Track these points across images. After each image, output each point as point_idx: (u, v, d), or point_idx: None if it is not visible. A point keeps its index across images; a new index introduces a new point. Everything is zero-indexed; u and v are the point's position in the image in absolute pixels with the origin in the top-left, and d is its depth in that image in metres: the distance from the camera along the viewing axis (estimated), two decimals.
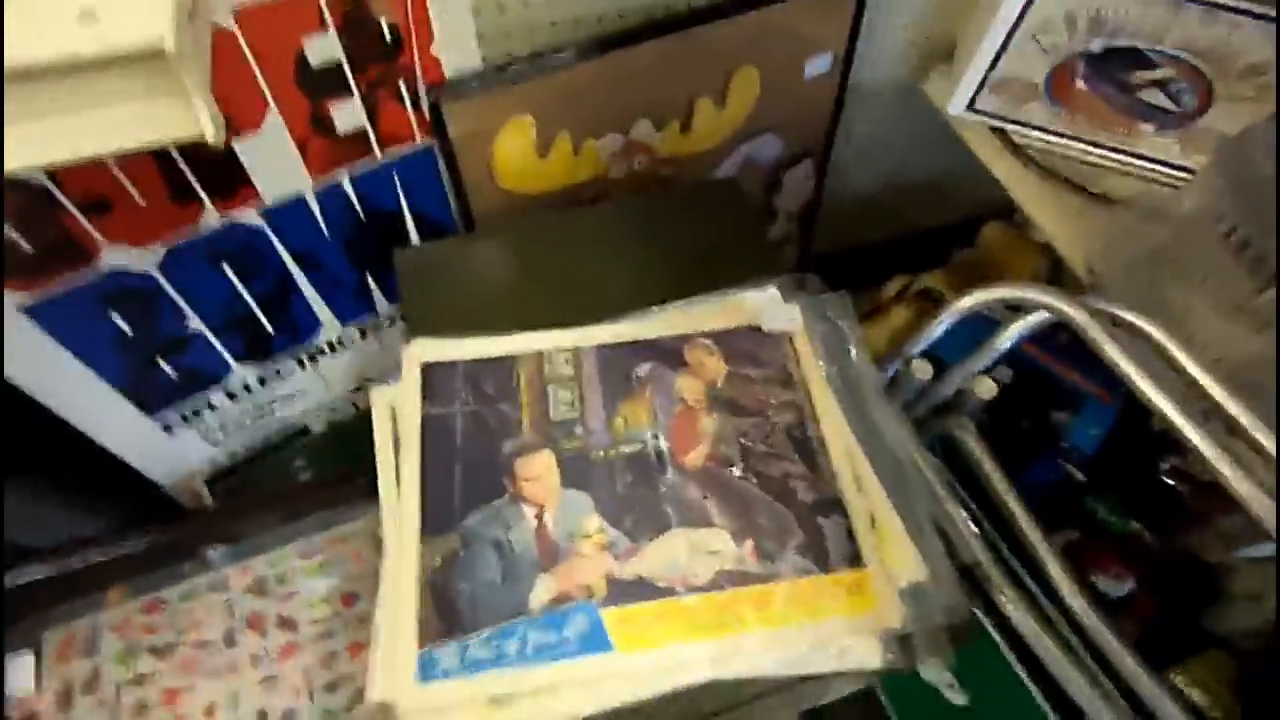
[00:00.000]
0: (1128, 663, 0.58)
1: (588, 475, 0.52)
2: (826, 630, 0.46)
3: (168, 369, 0.69)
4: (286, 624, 0.72)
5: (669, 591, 0.47)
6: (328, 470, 0.95)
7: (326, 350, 0.80)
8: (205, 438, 0.78)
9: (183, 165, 0.55)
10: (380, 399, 0.56)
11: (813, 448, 0.54)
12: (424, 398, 0.55)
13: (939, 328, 0.68)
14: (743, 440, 0.54)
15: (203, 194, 0.58)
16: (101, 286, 0.58)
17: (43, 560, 0.73)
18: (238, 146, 0.57)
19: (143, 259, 0.59)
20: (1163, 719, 0.55)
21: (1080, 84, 0.73)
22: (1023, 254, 1.12)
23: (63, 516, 0.76)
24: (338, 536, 0.77)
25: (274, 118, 0.57)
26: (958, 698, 0.74)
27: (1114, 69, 0.71)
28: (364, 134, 0.63)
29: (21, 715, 0.66)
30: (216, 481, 0.85)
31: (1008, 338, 0.66)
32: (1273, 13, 0.62)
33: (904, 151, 1.10)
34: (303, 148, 0.61)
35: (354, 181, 0.66)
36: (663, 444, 0.54)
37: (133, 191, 0.54)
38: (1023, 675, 0.61)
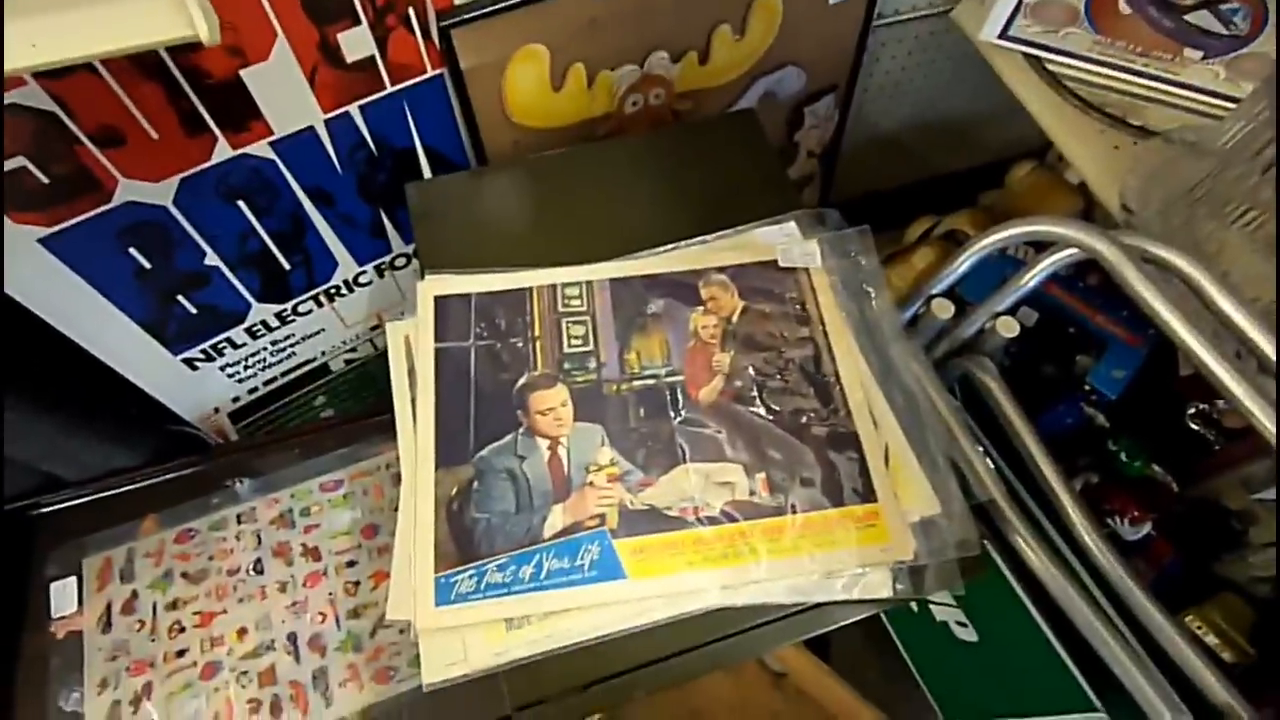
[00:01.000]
0: (1142, 602, 0.58)
1: (600, 408, 0.52)
2: (837, 561, 0.46)
3: (187, 305, 0.70)
4: (311, 553, 0.74)
5: (681, 522, 0.48)
6: (348, 408, 0.97)
7: (344, 289, 0.81)
8: (228, 374, 0.80)
9: (192, 95, 0.54)
10: (395, 333, 0.57)
11: (828, 384, 0.53)
12: (437, 332, 0.55)
13: (963, 264, 0.66)
14: (757, 376, 0.54)
15: (214, 126, 0.58)
16: (117, 219, 0.58)
17: (78, 491, 0.76)
18: (246, 77, 0.56)
19: (157, 192, 0.59)
20: (1176, 659, 0.56)
21: (1124, 6, 0.69)
22: (1053, 196, 1.08)
23: (95, 450, 0.79)
24: (359, 471, 0.79)
25: (282, 46, 0.56)
26: (967, 635, 0.75)
27: None
28: (373, 63, 0.61)
29: (66, 632, 0.69)
30: (241, 419, 0.87)
31: (1034, 275, 0.64)
32: None
33: (931, 88, 1.06)
34: (311, 78, 0.59)
35: (364, 113, 0.65)
36: (676, 378, 0.54)
37: (144, 123, 0.54)
38: (1035, 614, 0.61)
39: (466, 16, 0.62)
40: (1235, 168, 0.59)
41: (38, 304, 0.60)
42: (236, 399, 0.84)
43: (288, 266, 0.73)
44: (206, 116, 0.56)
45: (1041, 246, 0.92)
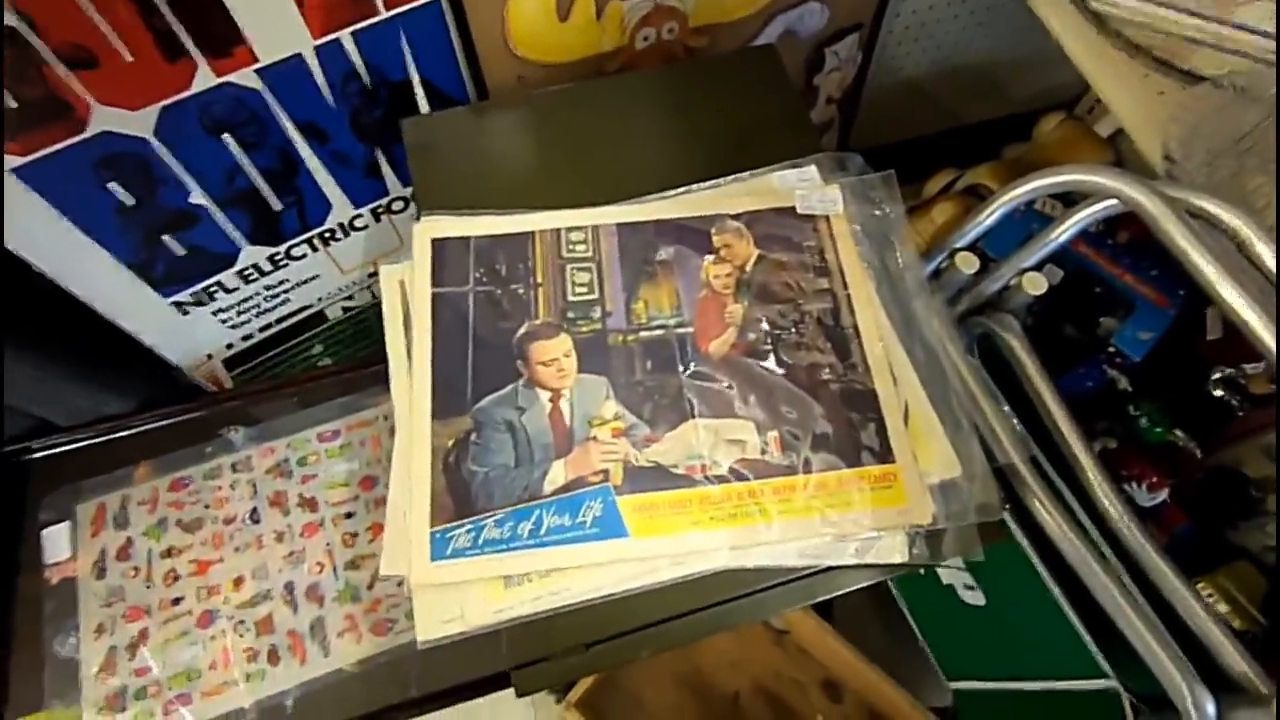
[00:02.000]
0: (1161, 569, 0.56)
1: (605, 360, 0.50)
2: (851, 523, 0.44)
3: (175, 245, 0.66)
4: (308, 504, 0.73)
5: (688, 480, 0.46)
6: (347, 358, 0.94)
7: (339, 233, 0.77)
8: (221, 319, 0.77)
9: (167, 13, 0.50)
10: (389, 277, 0.54)
11: (846, 338, 0.51)
12: (434, 276, 0.52)
13: (990, 216, 0.62)
14: (771, 328, 0.51)
15: (193, 49, 0.53)
16: (94, 150, 0.55)
17: (71, 436, 0.74)
18: None
19: (135, 122, 0.55)
20: (1193, 626, 0.54)
21: None
22: (1082, 150, 1.03)
23: (87, 396, 0.77)
24: (357, 422, 0.77)
25: None
26: (974, 598, 0.74)
27: None
28: None
29: (60, 578, 0.69)
30: (236, 366, 0.85)
31: (1067, 228, 0.60)
32: None
33: (960, 30, 1.00)
34: None
35: (357, 41, 0.60)
36: (686, 330, 0.51)
37: (117, 44, 0.50)
38: (1048, 580, 0.59)
39: None
40: None
41: (19, 242, 0.57)
42: (230, 345, 0.81)
43: (279, 207, 0.70)
44: (185, 38, 0.52)
45: (1070, 201, 0.89)
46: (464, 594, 0.43)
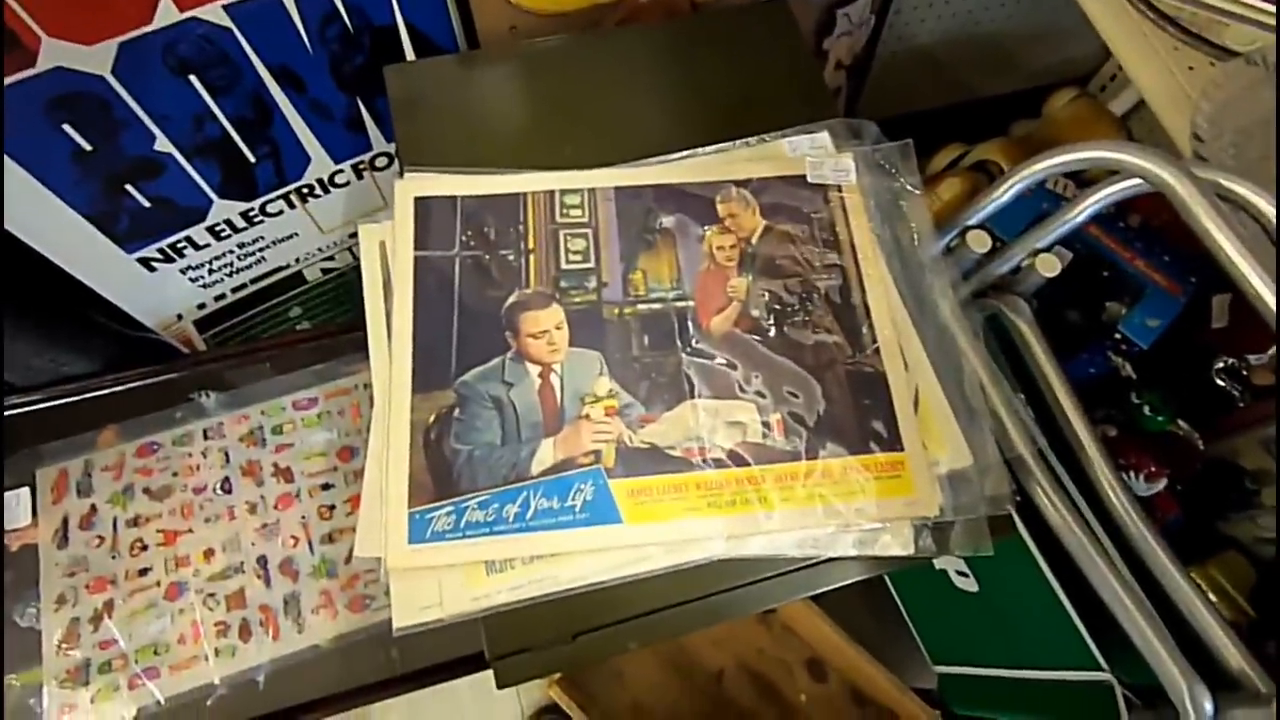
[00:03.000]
0: (1161, 561, 0.54)
1: (600, 333, 0.47)
2: (855, 513, 0.42)
3: (139, 197, 0.62)
4: (283, 474, 0.70)
5: (685, 463, 0.43)
6: (326, 321, 0.90)
7: (318, 189, 0.73)
8: (191, 278, 0.73)
9: None
10: (369, 237, 0.50)
11: (855, 317, 0.48)
12: (418, 238, 0.49)
13: (1007, 193, 0.59)
14: (777, 304, 0.48)
15: None
16: (45, 87, 0.50)
17: (29, 397, 0.70)
18: None
19: (91, 58, 0.50)
20: (1193, 621, 0.53)
21: None
22: (1095, 127, 1.00)
23: (48, 355, 0.73)
24: (335, 390, 0.74)
25: None
26: (966, 585, 0.72)
27: None
28: None
29: (20, 545, 0.65)
30: (208, 328, 0.81)
31: (1087, 207, 0.57)
32: None
33: None
34: None
35: None
36: (686, 304, 0.48)
37: None
38: (1046, 571, 0.58)
39: None
40: None
41: None
42: (202, 306, 0.77)
43: (253, 159, 0.65)
44: None
45: (1081, 181, 0.86)
46: (443, 579, 0.41)
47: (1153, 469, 0.72)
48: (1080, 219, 0.60)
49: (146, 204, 0.63)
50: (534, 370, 0.46)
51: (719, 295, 0.48)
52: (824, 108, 0.55)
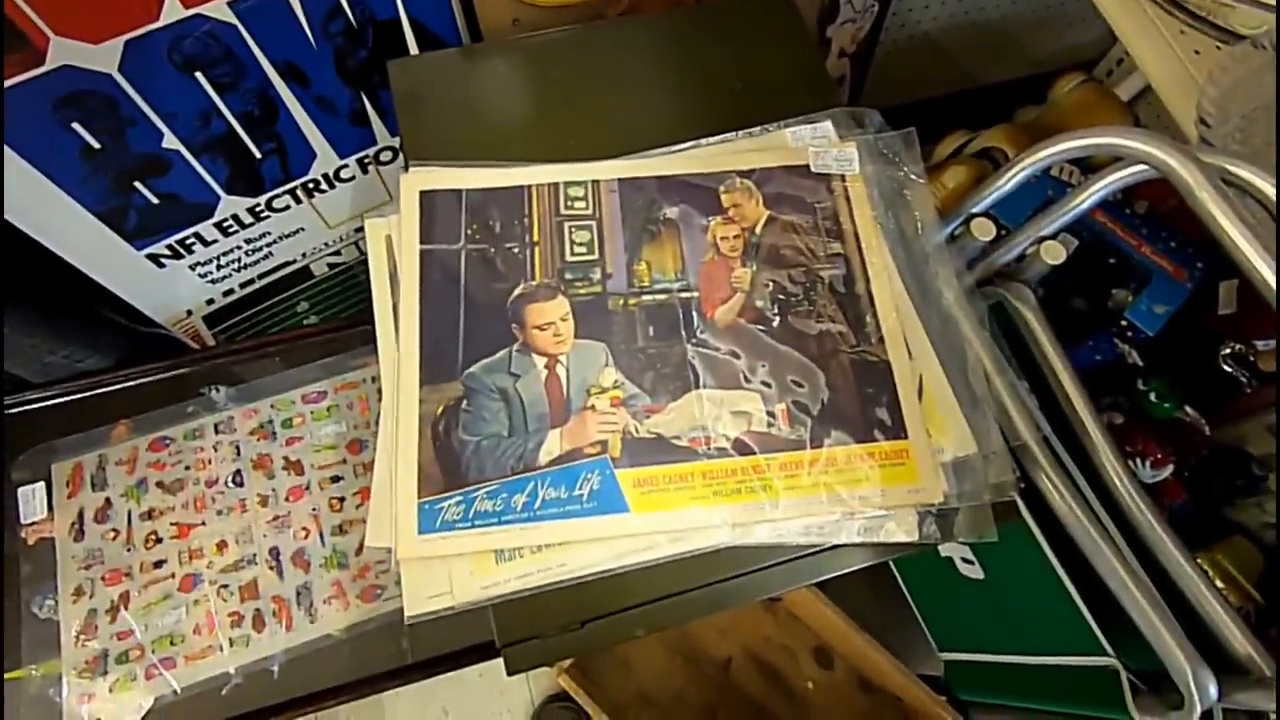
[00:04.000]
0: (1166, 547, 0.55)
1: (605, 325, 0.47)
2: (860, 501, 0.42)
3: (147, 193, 0.62)
4: (294, 467, 0.71)
5: (690, 453, 0.44)
6: (333, 315, 0.91)
7: (324, 184, 0.73)
8: (199, 274, 0.73)
9: None
10: (375, 231, 0.50)
11: (859, 306, 0.48)
12: (423, 232, 0.49)
13: (1011, 180, 0.59)
14: (781, 294, 0.48)
15: None
16: (54, 85, 0.50)
17: (45, 392, 0.71)
18: None
19: (99, 56, 0.51)
20: (1195, 604, 0.53)
21: None
22: (1101, 113, 0.99)
23: (64, 352, 0.74)
24: (344, 383, 0.75)
25: None
26: (972, 572, 0.73)
27: None
28: None
29: (37, 538, 0.66)
30: (217, 323, 0.81)
31: (1092, 194, 0.57)
32: None
33: None
34: None
35: None
36: (690, 294, 0.48)
37: None
38: (1051, 557, 0.58)
39: None
40: None
41: None
42: (211, 301, 0.78)
43: (259, 155, 0.66)
44: None
45: (1086, 167, 0.85)
46: (453, 568, 0.41)
47: (1159, 456, 0.72)
48: (1085, 206, 0.60)
49: (155, 200, 0.63)
50: (540, 362, 0.46)
51: (723, 285, 0.49)
52: (827, 97, 0.55)
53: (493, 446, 0.44)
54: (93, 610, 0.63)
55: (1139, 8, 0.66)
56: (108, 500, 0.68)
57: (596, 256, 0.49)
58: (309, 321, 0.89)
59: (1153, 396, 0.74)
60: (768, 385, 0.45)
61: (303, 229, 0.77)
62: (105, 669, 0.61)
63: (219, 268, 0.74)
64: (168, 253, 0.69)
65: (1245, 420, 0.80)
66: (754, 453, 0.43)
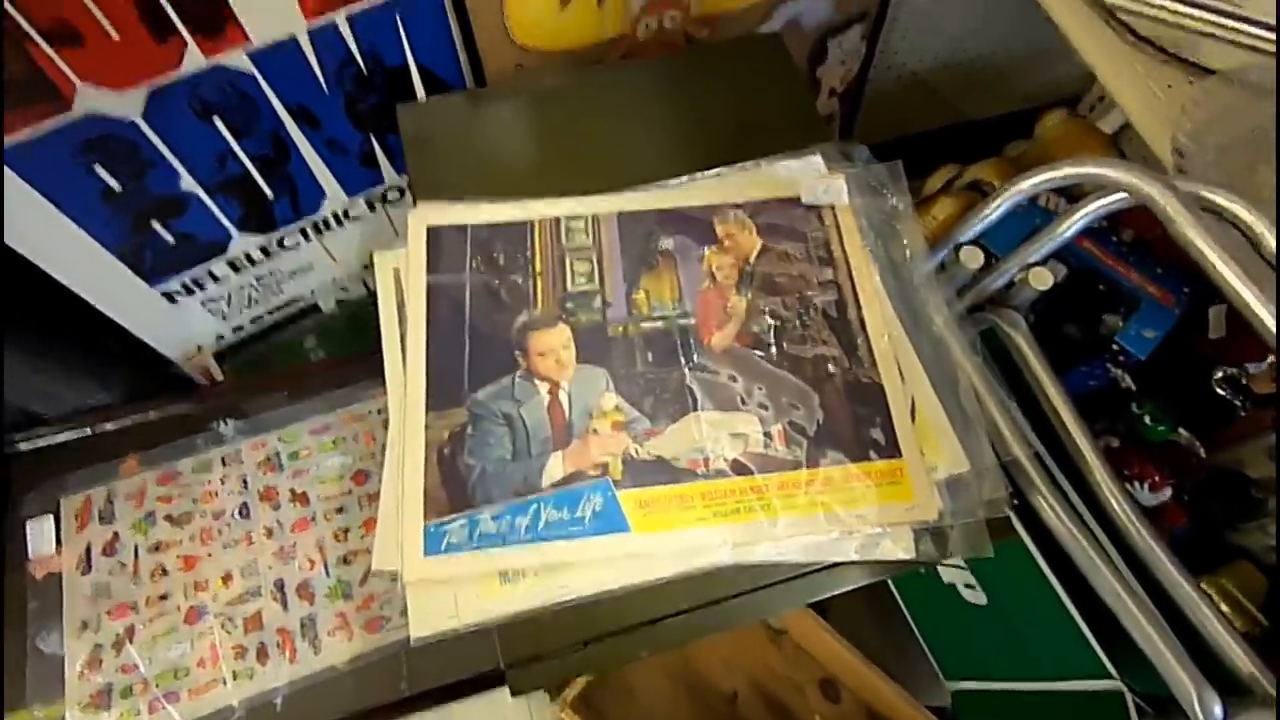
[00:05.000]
0: (1166, 568, 0.55)
1: (606, 351, 0.48)
2: (857, 519, 0.43)
3: (164, 233, 0.65)
4: (300, 499, 0.71)
5: (690, 474, 0.45)
6: (340, 350, 0.93)
7: (333, 222, 0.76)
8: (210, 310, 0.75)
9: None
10: (384, 264, 0.52)
11: (852, 331, 0.49)
12: (430, 264, 0.51)
13: (997, 210, 0.61)
14: (775, 320, 0.50)
15: (184, 30, 0.52)
16: (79, 132, 0.53)
17: (56, 428, 0.73)
18: None
19: (122, 104, 0.54)
20: (1200, 627, 0.53)
21: None
22: (1085, 147, 1.02)
23: (74, 387, 0.75)
24: (349, 416, 0.76)
25: None
26: (975, 598, 0.73)
27: None
28: None
29: (45, 574, 0.67)
30: (227, 358, 0.83)
31: (1074, 221, 0.59)
32: None
33: (964, 22, 0.99)
34: None
35: (352, 25, 0.59)
36: (688, 321, 0.50)
37: (103, 20, 0.48)
38: (1052, 579, 0.58)
39: None
40: None
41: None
42: (221, 337, 0.80)
43: (271, 195, 0.68)
44: (173, 16, 0.51)
45: (1074, 198, 0.88)
46: (458, 590, 0.42)
47: (1156, 478, 0.73)
48: (1070, 233, 0.62)
49: (171, 240, 0.66)
50: (543, 388, 0.47)
51: (719, 313, 0.50)
52: (816, 133, 0.58)
53: (497, 470, 0.45)
54: (98, 645, 0.64)
55: (1113, 47, 0.69)
56: (115, 534, 0.68)
57: (597, 286, 0.51)
58: (317, 356, 0.91)
59: (1147, 419, 0.75)
60: (764, 407, 0.47)
61: (311, 266, 0.79)
62: (109, 703, 0.61)
63: (230, 304, 0.76)
64: (180, 290, 0.71)
65: (1242, 444, 0.81)
66: (752, 473, 0.45)
